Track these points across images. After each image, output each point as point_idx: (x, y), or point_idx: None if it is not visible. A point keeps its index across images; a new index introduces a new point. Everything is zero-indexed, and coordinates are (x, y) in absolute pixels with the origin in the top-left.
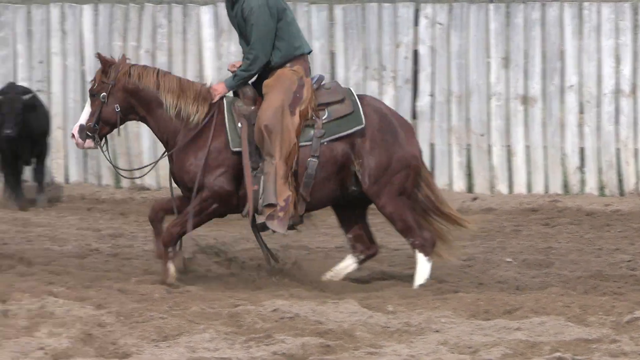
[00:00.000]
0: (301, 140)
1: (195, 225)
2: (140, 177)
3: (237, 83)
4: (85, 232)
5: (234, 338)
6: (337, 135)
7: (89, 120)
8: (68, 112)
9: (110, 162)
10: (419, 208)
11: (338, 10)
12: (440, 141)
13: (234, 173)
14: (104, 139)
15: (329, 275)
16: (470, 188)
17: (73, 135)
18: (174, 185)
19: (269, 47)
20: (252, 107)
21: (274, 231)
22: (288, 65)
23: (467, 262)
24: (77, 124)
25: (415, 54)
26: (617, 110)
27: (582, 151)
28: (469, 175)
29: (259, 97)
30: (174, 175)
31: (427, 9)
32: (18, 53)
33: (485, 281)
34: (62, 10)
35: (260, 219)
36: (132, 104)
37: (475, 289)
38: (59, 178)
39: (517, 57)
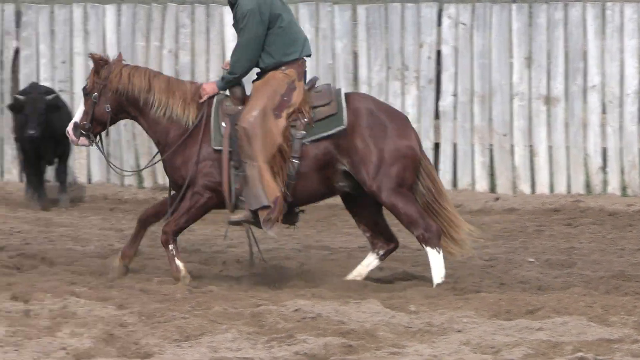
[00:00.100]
0: (289, 142)
1: (190, 221)
2: (131, 174)
3: (225, 85)
4: (108, 232)
5: (256, 338)
6: (318, 136)
7: (82, 119)
8: None
9: (106, 159)
10: (422, 199)
11: (361, 10)
12: (463, 141)
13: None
14: (98, 137)
15: (352, 276)
16: (492, 188)
17: (68, 133)
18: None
19: (253, 52)
20: (239, 108)
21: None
22: (283, 68)
23: (489, 262)
24: (72, 122)
25: (438, 54)
26: None
27: (604, 151)
28: (492, 175)
29: (247, 97)
30: (166, 173)
31: (450, 9)
32: (41, 53)
33: (508, 281)
34: (84, 10)
35: (234, 217)
36: (123, 104)
37: (498, 289)
38: (81, 178)
39: (539, 57)
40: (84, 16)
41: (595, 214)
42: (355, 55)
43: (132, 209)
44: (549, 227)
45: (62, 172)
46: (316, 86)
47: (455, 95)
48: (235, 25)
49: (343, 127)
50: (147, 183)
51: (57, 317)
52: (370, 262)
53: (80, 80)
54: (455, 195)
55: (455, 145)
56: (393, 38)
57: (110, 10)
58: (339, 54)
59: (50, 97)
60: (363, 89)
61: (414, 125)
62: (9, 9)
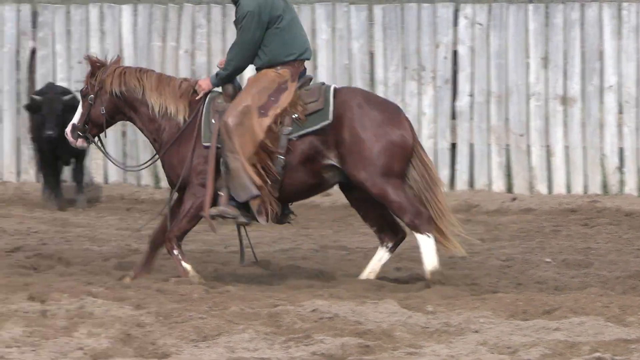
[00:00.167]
0: (275, 140)
1: (192, 222)
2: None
3: (218, 81)
4: (125, 233)
5: (273, 338)
6: (304, 132)
7: (79, 121)
8: None
9: (106, 155)
10: (415, 186)
11: (377, 10)
12: (480, 141)
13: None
14: (97, 137)
15: (366, 273)
16: (509, 188)
17: (67, 134)
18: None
19: (248, 53)
20: (229, 105)
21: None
22: (277, 67)
23: (506, 263)
24: (70, 124)
25: (455, 54)
26: None
27: (621, 151)
28: (509, 175)
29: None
30: (164, 171)
31: (466, 9)
32: (57, 53)
33: (524, 281)
34: (101, 11)
35: (212, 210)
36: (118, 106)
37: (514, 289)
38: (98, 178)
39: (556, 58)
40: (100, 16)
41: (612, 214)
42: (371, 56)
43: (149, 209)
44: (566, 227)
45: (79, 173)
46: (309, 85)
47: (471, 95)
48: (235, 23)
49: (328, 121)
50: (164, 183)
51: (74, 317)
52: (382, 256)
53: None
54: (472, 195)
55: (472, 146)
56: (409, 38)
57: (126, 10)
58: (356, 54)
59: (67, 97)
60: (379, 89)
61: (430, 125)
62: (26, 9)
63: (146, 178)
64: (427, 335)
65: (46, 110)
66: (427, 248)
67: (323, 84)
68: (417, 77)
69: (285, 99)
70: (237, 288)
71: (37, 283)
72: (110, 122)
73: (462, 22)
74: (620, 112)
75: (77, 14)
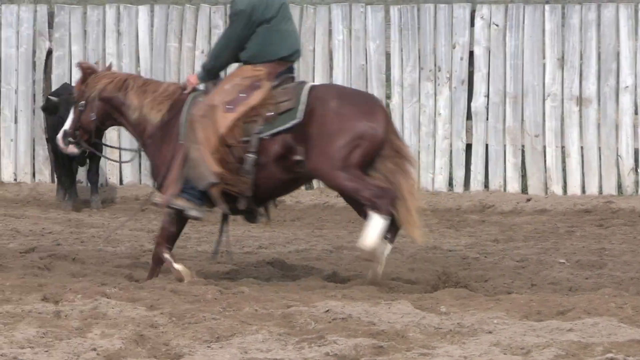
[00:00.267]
0: (241, 137)
1: (174, 223)
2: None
3: (204, 75)
4: (139, 233)
5: (286, 339)
6: (275, 130)
7: (71, 127)
8: None
9: (104, 157)
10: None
11: (394, 11)
12: (495, 142)
13: None
14: (90, 143)
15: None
16: (524, 189)
17: (58, 140)
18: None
19: (232, 50)
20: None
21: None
22: (258, 65)
23: (520, 263)
24: (62, 130)
25: (471, 54)
26: None
27: (636, 152)
28: (523, 176)
29: None
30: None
31: (482, 10)
32: (73, 54)
33: (538, 282)
34: (117, 11)
35: (156, 198)
36: (107, 111)
37: (528, 290)
38: (113, 179)
39: (572, 58)
40: (116, 17)
41: (627, 215)
42: (387, 56)
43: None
44: (580, 228)
45: (93, 173)
46: (287, 84)
47: (487, 96)
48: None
49: (298, 120)
50: None
51: (87, 318)
52: (384, 248)
53: None
54: (486, 196)
55: (487, 146)
56: (425, 39)
57: (143, 11)
58: (372, 55)
59: None
60: (395, 89)
61: (446, 126)
62: (42, 9)
63: None
64: (441, 336)
65: (62, 111)
66: (374, 226)
67: (302, 82)
68: (433, 77)
69: (256, 96)
70: (250, 289)
71: (51, 284)
72: (100, 128)
73: (479, 22)
74: (636, 113)
75: (93, 14)
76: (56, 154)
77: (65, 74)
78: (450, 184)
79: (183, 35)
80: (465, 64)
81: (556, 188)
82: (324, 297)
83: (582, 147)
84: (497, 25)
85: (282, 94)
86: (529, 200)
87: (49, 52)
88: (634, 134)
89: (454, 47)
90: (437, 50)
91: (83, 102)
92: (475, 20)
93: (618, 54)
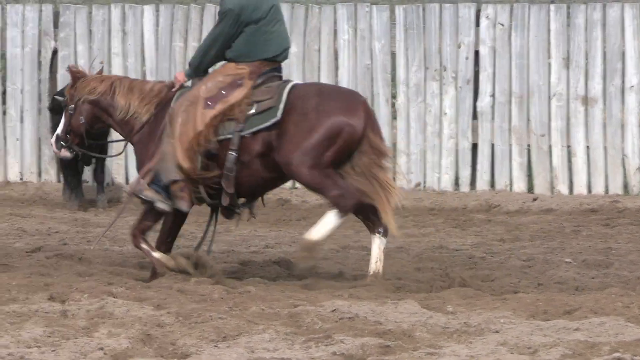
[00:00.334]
0: (222, 134)
1: (150, 216)
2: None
3: (190, 72)
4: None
5: (293, 338)
6: (255, 129)
7: (62, 131)
8: None
9: (94, 156)
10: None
11: (399, 10)
12: (501, 142)
13: None
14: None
15: (373, 264)
16: (530, 188)
17: (51, 144)
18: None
19: (217, 48)
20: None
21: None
22: (241, 63)
23: (526, 263)
24: (54, 134)
25: (476, 54)
26: None
27: None
28: (529, 175)
29: None
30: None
31: (488, 10)
32: (79, 53)
33: (545, 282)
34: (122, 11)
35: (128, 189)
36: (96, 114)
37: (535, 289)
38: (119, 179)
39: (577, 58)
40: (122, 17)
41: (633, 215)
42: (393, 56)
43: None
44: (587, 227)
45: (100, 173)
46: (271, 83)
47: (493, 95)
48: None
49: (277, 119)
50: None
51: (94, 318)
52: (379, 242)
53: None
54: (492, 195)
55: (493, 146)
56: (431, 38)
57: (148, 10)
58: (377, 55)
59: None
60: (401, 89)
61: (452, 125)
62: (47, 9)
63: None
64: (447, 335)
65: None
66: (327, 222)
67: (286, 81)
68: (439, 77)
69: (237, 94)
70: (257, 288)
71: (58, 283)
72: (90, 132)
73: (484, 22)
74: None
75: (98, 14)
76: None
77: None
78: (456, 183)
79: (188, 35)
80: (470, 63)
81: (562, 187)
82: (330, 297)
83: (588, 147)
84: (502, 25)
85: (265, 92)
86: (535, 199)
87: (55, 52)
88: (639, 133)
89: (459, 47)
90: (442, 50)
91: (72, 106)
92: (481, 20)
93: (623, 54)
